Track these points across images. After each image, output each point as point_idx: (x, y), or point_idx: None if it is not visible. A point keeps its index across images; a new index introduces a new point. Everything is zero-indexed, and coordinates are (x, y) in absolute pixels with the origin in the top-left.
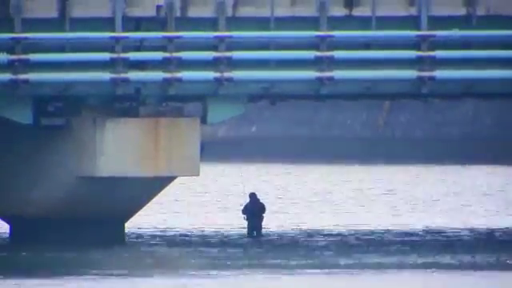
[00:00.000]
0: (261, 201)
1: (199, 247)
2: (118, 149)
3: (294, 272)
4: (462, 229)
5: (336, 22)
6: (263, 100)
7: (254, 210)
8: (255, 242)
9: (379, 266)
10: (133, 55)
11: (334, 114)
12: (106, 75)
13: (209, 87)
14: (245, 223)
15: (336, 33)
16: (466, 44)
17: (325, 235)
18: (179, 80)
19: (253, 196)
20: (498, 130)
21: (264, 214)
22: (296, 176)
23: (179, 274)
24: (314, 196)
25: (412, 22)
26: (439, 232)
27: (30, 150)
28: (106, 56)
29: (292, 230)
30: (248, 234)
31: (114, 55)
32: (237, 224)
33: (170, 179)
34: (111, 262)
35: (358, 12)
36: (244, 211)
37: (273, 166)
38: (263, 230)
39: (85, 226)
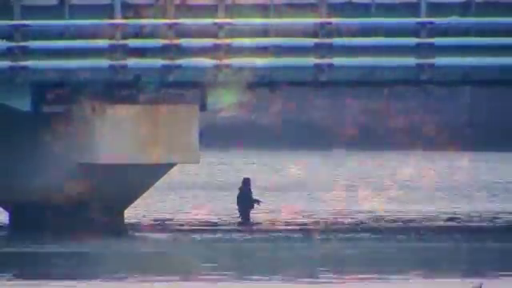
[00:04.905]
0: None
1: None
2: (117, 136)
3: None
4: None
5: (335, 9)
6: (262, 87)
7: (243, 195)
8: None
9: None
10: (132, 42)
11: (333, 100)
12: (105, 62)
13: (208, 74)
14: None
15: (335, 20)
16: (465, 31)
17: None
18: (179, 67)
19: (245, 181)
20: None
21: (255, 203)
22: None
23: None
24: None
25: (411, 8)
26: None
27: (29, 137)
28: (105, 43)
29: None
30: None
31: (114, 42)
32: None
33: (169, 166)
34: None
35: None
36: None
37: (272, 153)
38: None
39: (84, 213)
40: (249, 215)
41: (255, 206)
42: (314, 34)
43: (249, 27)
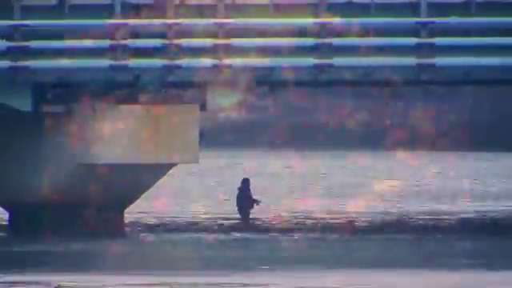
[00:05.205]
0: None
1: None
2: (117, 136)
3: None
4: None
5: (335, 9)
6: (263, 87)
7: (243, 195)
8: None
9: None
10: (132, 42)
11: (333, 100)
12: (105, 62)
13: (208, 74)
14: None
15: (335, 20)
16: (465, 31)
17: None
18: (179, 67)
19: (244, 182)
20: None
21: (255, 203)
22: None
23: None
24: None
25: (411, 8)
26: None
27: (29, 137)
28: (105, 43)
29: None
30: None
31: (114, 42)
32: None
33: (169, 166)
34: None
35: None
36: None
37: (273, 152)
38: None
39: (84, 213)
40: (248, 215)
41: (254, 205)
42: (315, 34)
43: (249, 27)
